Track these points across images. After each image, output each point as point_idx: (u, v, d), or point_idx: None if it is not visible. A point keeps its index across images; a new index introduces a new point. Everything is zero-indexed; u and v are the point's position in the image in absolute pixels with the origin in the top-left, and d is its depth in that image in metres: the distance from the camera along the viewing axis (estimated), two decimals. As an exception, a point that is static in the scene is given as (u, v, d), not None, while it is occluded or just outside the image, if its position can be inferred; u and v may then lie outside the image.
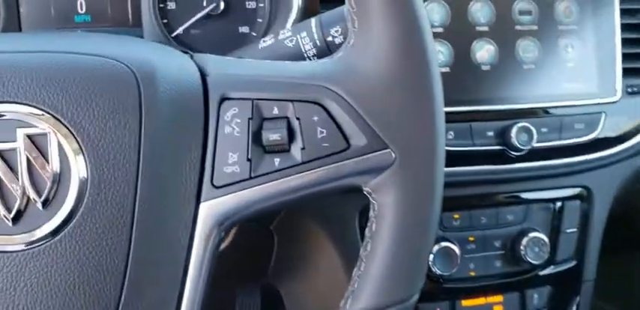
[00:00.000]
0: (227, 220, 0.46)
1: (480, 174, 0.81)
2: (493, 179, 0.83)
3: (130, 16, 0.81)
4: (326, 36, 0.59)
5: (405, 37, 0.46)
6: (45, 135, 0.42)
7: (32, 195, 0.41)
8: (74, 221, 0.42)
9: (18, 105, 0.41)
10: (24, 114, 0.41)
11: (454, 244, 0.82)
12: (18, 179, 0.41)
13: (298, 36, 0.60)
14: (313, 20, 0.61)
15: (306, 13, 0.77)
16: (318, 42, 0.59)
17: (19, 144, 0.41)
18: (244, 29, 0.85)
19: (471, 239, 0.84)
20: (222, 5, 0.82)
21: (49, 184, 0.42)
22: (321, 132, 0.46)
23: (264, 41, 0.62)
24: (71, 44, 0.46)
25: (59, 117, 0.42)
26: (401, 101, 0.46)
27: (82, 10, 0.80)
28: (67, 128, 0.42)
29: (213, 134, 0.46)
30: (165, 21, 0.82)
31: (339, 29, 0.59)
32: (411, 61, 0.46)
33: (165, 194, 0.44)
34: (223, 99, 0.46)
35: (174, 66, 0.47)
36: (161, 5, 0.81)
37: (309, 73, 0.47)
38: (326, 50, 0.59)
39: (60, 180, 0.42)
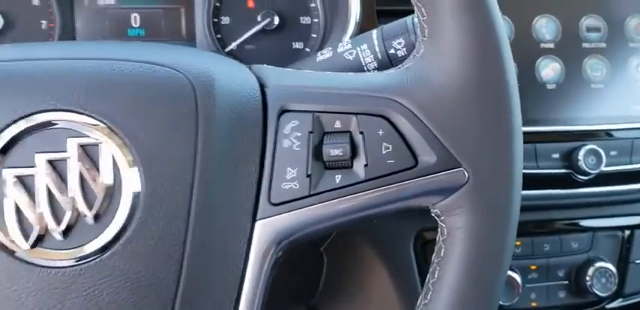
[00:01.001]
0: (284, 240, 0.43)
1: (543, 198, 0.76)
2: (558, 204, 0.78)
3: (184, 31, 0.80)
4: (388, 48, 0.56)
5: (481, 47, 0.42)
6: (97, 145, 0.39)
7: (83, 208, 0.39)
8: (125, 236, 0.39)
9: (71, 114, 0.39)
10: (77, 123, 0.39)
11: (515, 272, 0.77)
12: (68, 191, 0.39)
13: (358, 48, 0.58)
14: (375, 32, 0.58)
15: (362, 29, 0.75)
16: (379, 54, 0.56)
17: (71, 154, 0.39)
18: (298, 45, 0.83)
19: (533, 267, 0.79)
20: (276, 20, 0.81)
21: (100, 197, 0.39)
22: (387, 148, 0.43)
23: (321, 54, 0.60)
24: (128, 52, 0.43)
25: (113, 127, 0.39)
26: (476, 116, 0.42)
27: (135, 23, 0.79)
28: (122, 139, 0.40)
29: (271, 148, 0.43)
30: (219, 36, 0.81)
31: (402, 41, 0.56)
32: (487, 72, 0.42)
33: (220, 210, 0.41)
34: (283, 112, 0.44)
35: (233, 76, 0.44)
36: (215, 20, 0.80)
37: (373, 85, 0.44)
38: (387, 63, 0.56)
39: (112, 193, 0.39)
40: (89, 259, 0.39)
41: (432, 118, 0.43)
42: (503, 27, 0.44)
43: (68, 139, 0.39)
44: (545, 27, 0.79)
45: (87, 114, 0.39)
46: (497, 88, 0.42)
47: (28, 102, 0.39)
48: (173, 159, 0.40)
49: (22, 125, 0.39)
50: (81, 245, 0.39)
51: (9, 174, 0.38)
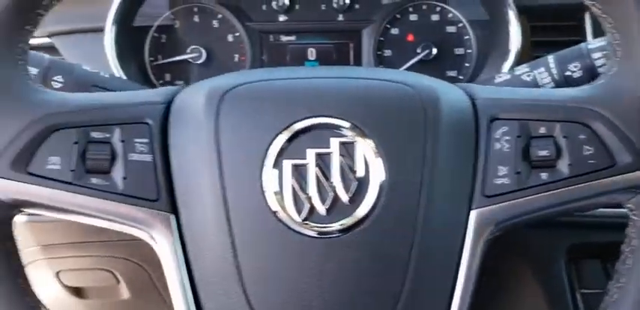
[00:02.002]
0: (494, 228, 0.51)
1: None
2: None
3: (352, 62, 0.91)
4: (564, 71, 0.65)
5: None
6: (352, 143, 0.50)
7: (341, 192, 0.49)
8: (373, 215, 0.49)
9: (333, 119, 0.50)
10: (338, 126, 0.50)
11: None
12: (331, 178, 0.49)
13: (535, 71, 0.66)
14: (550, 58, 0.67)
15: (520, 57, 0.83)
16: (556, 76, 0.65)
17: (334, 149, 0.50)
18: (452, 73, 0.92)
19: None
20: (434, 51, 0.90)
21: (355, 184, 0.49)
22: (588, 150, 0.51)
23: (499, 77, 0.69)
24: (367, 73, 0.55)
25: (364, 130, 0.50)
26: None
27: (311, 56, 0.91)
28: (370, 138, 0.50)
29: (484, 149, 0.52)
30: (381, 66, 0.91)
31: (578, 64, 0.64)
32: None
33: (443, 199, 0.50)
34: (493, 120, 0.52)
35: (447, 90, 0.54)
36: (379, 52, 0.91)
37: (573, 97, 0.52)
38: (563, 83, 0.65)
39: (364, 180, 0.49)
40: (345, 232, 0.49)
41: (627, 125, 0.50)
42: None
43: (331, 138, 0.50)
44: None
45: (345, 119, 0.50)
46: None
47: (302, 110, 0.50)
48: (409, 156, 0.50)
49: (297, 126, 0.50)
50: (339, 221, 0.49)
51: (287, 164, 0.49)
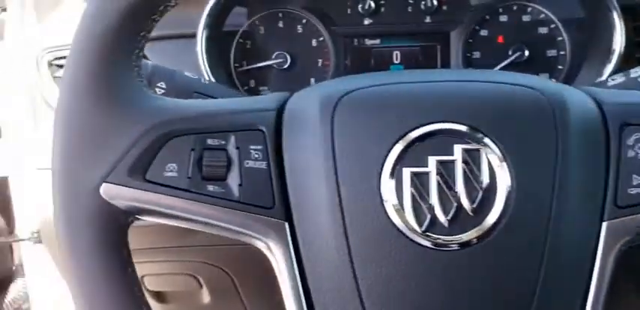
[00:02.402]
0: (628, 240, 0.48)
1: None
2: None
3: (439, 65, 0.88)
4: None
5: None
6: (477, 150, 0.47)
7: (465, 202, 0.47)
8: (499, 229, 0.46)
9: (455, 124, 0.48)
10: (460, 131, 0.48)
11: None
12: (455, 187, 0.47)
13: None
14: None
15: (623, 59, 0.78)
16: None
17: (457, 157, 0.47)
18: (544, 76, 0.88)
19: None
20: (526, 53, 0.86)
21: (480, 194, 0.47)
22: None
23: (612, 79, 0.65)
24: (486, 76, 0.53)
25: (490, 135, 0.47)
26: None
27: (396, 60, 0.89)
28: (496, 145, 0.47)
29: (615, 157, 0.48)
30: (470, 69, 0.88)
31: None
32: None
33: (574, 210, 0.47)
34: (624, 126, 0.49)
35: (572, 93, 0.51)
36: (468, 55, 0.88)
37: None
38: None
39: (489, 190, 0.47)
40: (468, 246, 0.46)
41: None
42: None
43: (455, 145, 0.47)
44: None
45: (469, 125, 0.48)
46: None
47: (422, 116, 0.48)
48: (537, 163, 0.47)
49: (417, 133, 0.48)
50: (462, 233, 0.46)
51: (407, 172, 0.47)
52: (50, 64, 0.81)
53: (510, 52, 0.86)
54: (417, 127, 0.47)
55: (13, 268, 1.42)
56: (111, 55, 0.48)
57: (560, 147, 0.47)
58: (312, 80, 0.88)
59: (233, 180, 0.49)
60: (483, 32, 0.88)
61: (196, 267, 0.88)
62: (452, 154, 0.47)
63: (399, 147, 0.47)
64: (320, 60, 0.89)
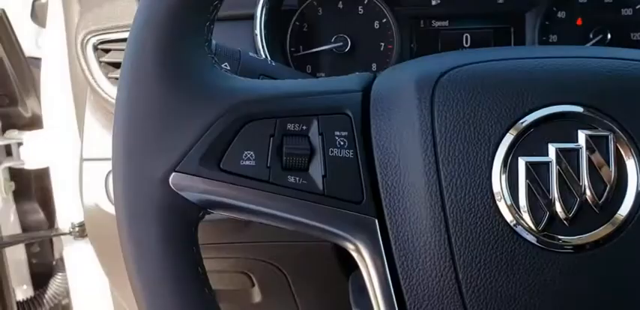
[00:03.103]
0: None
1: None
2: None
3: (513, 49, 0.81)
4: None
5: None
6: (605, 137, 0.41)
7: (591, 197, 0.40)
8: (629, 227, 0.40)
9: (578, 107, 0.41)
10: (586, 115, 0.41)
11: None
12: (579, 179, 0.41)
13: None
14: None
15: None
16: None
17: (582, 144, 0.41)
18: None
19: None
20: (608, 37, 0.79)
21: (608, 187, 0.40)
22: None
23: None
24: (613, 52, 0.46)
25: (620, 121, 0.41)
26: None
27: (466, 43, 0.82)
28: (627, 131, 0.41)
29: None
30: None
31: None
32: None
33: None
34: None
35: None
36: (544, 38, 0.81)
37: None
38: None
39: (619, 183, 0.40)
40: (594, 248, 0.40)
41: None
42: None
43: (579, 131, 0.41)
44: None
45: (595, 108, 0.41)
46: None
47: (540, 97, 0.42)
48: None
49: (534, 117, 0.41)
50: (586, 233, 0.40)
51: (522, 162, 0.41)
52: (96, 48, 0.76)
53: (591, 36, 0.79)
54: (534, 110, 0.41)
55: (54, 262, 1.39)
56: (180, 28, 0.42)
57: None
58: (374, 65, 0.82)
59: (316, 170, 0.43)
60: (561, 14, 0.81)
61: (249, 265, 0.83)
62: (575, 141, 0.41)
63: (512, 134, 0.41)
64: (382, 43, 0.82)
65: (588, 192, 0.40)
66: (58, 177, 1.18)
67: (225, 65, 0.59)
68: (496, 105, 0.41)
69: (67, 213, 1.20)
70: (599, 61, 0.43)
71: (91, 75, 0.78)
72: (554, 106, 0.41)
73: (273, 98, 0.44)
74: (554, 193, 0.40)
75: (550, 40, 0.81)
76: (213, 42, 0.60)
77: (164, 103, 0.42)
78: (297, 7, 0.82)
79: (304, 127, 0.44)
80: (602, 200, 0.40)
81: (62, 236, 1.23)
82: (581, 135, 0.41)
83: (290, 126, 0.44)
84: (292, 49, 0.83)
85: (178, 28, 0.42)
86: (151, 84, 0.42)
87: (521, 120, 0.41)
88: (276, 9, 0.79)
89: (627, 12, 0.80)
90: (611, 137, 0.41)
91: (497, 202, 0.41)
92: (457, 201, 0.41)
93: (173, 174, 0.42)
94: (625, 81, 0.42)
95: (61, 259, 1.32)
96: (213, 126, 0.43)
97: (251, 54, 0.62)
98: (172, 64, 0.42)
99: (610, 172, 0.40)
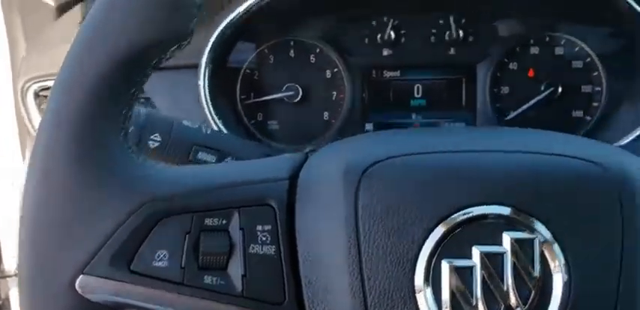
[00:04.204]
0: None
1: None
2: None
3: (464, 101, 0.81)
4: None
5: None
6: (530, 241, 0.39)
7: (515, 302, 0.38)
8: None
9: (505, 208, 0.39)
10: (510, 218, 0.39)
11: None
12: (504, 284, 0.39)
13: None
14: None
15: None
16: None
17: (506, 248, 0.39)
18: (578, 113, 0.81)
19: None
20: (559, 89, 0.79)
21: (532, 293, 0.38)
22: None
23: None
24: (542, 144, 0.43)
25: (545, 223, 0.39)
26: None
27: (418, 94, 0.81)
28: (554, 235, 0.39)
29: None
30: (498, 105, 0.81)
31: None
32: None
33: None
34: None
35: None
36: (495, 89, 0.81)
37: None
38: None
39: (543, 287, 0.38)
40: None
41: None
42: None
43: (504, 233, 0.39)
44: None
45: (518, 209, 0.39)
46: None
47: (467, 196, 0.39)
48: (601, 259, 0.39)
49: (460, 217, 0.39)
50: None
51: (446, 266, 0.39)
52: (37, 95, 0.74)
53: (542, 88, 0.79)
54: (459, 210, 0.39)
55: (0, 302, 1.34)
56: (93, 118, 0.39)
57: (628, 241, 0.38)
58: (326, 114, 0.81)
59: (235, 269, 0.41)
60: (512, 65, 0.81)
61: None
62: (500, 244, 0.39)
63: (436, 235, 0.39)
64: (334, 93, 0.81)
65: (512, 298, 0.38)
66: (3, 220, 1.14)
67: (156, 136, 0.56)
68: (421, 203, 0.39)
69: (12, 254, 1.16)
70: (527, 156, 0.41)
71: (30, 122, 0.75)
72: (479, 207, 0.39)
73: (191, 192, 0.41)
74: (478, 298, 0.38)
75: (502, 92, 0.81)
76: (143, 111, 0.58)
77: (73, 197, 0.39)
78: (246, 57, 0.81)
79: (224, 221, 0.41)
80: (527, 306, 0.38)
81: (8, 278, 1.19)
82: (506, 238, 0.39)
83: (208, 221, 0.41)
84: (243, 97, 0.81)
85: (91, 118, 0.39)
86: (58, 179, 0.39)
87: (446, 221, 0.39)
88: (222, 62, 0.77)
89: (578, 64, 0.80)
90: (536, 241, 0.39)
91: (420, 306, 0.38)
92: (380, 304, 0.39)
93: (81, 276, 0.40)
94: (551, 182, 0.40)
95: (7, 299, 1.27)
96: (126, 223, 0.40)
97: (185, 122, 0.59)
98: (83, 153, 0.39)
99: (534, 277, 0.38)
